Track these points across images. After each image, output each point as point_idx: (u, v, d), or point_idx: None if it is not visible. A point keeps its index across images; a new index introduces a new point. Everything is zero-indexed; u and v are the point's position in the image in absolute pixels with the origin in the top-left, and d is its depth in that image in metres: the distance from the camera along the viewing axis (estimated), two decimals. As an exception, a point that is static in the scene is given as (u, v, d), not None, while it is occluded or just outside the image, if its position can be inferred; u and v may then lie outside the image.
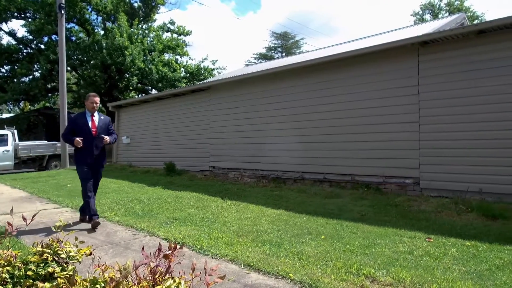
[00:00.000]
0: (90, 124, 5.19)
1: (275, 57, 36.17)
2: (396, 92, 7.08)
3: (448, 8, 30.59)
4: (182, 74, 24.80)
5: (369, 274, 3.24)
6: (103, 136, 5.27)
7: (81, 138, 5.02)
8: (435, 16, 31.05)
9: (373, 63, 7.49)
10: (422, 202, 6.00)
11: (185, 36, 26.67)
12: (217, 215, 5.78)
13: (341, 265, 3.45)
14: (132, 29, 22.63)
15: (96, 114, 5.30)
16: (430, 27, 8.67)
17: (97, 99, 5.28)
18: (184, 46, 26.09)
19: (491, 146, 5.89)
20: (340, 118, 7.95)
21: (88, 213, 5.15)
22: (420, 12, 32.87)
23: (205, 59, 29.22)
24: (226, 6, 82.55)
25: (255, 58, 37.93)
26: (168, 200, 7.08)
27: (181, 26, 26.41)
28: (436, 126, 6.51)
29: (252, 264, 3.58)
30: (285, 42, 38.64)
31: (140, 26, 24.90)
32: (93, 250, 2.20)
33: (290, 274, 3.27)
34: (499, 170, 5.77)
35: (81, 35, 23.86)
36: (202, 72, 25.47)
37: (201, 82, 14.76)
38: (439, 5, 31.59)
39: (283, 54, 36.45)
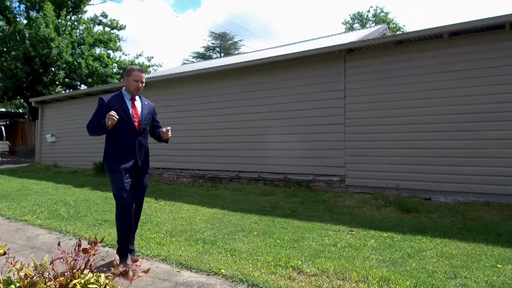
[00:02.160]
0: (131, 111, 3.45)
1: (213, 57, 36.05)
2: (325, 96, 7.51)
3: (374, 18, 32.97)
4: (114, 70, 23.63)
5: (296, 266, 3.43)
6: (161, 128, 3.72)
7: (111, 115, 3.13)
8: (363, 25, 33.26)
9: (304, 67, 7.87)
10: (347, 198, 6.45)
11: (118, 30, 25.46)
12: (149, 216, 5.67)
13: (271, 259, 3.60)
14: (59, 20, 21.04)
15: (137, 98, 3.58)
16: (356, 35, 9.33)
17: (144, 76, 3.53)
18: (117, 41, 24.88)
19: (406, 147, 6.52)
20: (273, 119, 8.22)
21: (121, 250, 3.34)
22: (350, 21, 35.01)
23: (140, 55, 28.09)
24: (165, 2, 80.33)
25: (193, 57, 37.47)
26: (97, 202, 6.76)
27: (114, 20, 25.16)
28: (360, 128, 7.04)
29: (184, 262, 3.59)
30: (224, 43, 38.70)
31: (68, 17, 23.25)
32: (12, 255, 2.07)
33: (222, 270, 3.35)
34: (413, 168, 6.42)
35: (0, 23, 21.62)
36: (137, 68, 24.45)
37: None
38: (367, 15, 33.93)
39: (222, 55, 36.49)
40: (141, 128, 3.50)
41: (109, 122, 3.14)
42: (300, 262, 3.51)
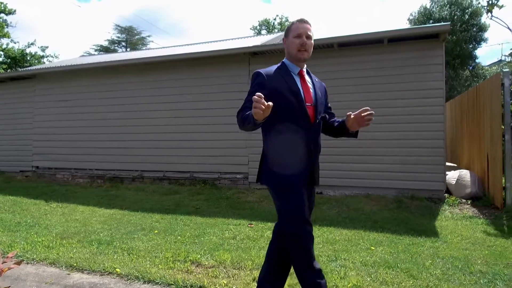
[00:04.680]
0: (302, 92, 2.23)
1: (118, 51, 34.01)
2: (230, 96, 7.72)
3: (280, 27, 34.70)
4: (0, 59, 20.80)
5: (195, 259, 3.51)
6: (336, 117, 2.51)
7: (258, 101, 1.81)
8: (270, 31, 34.78)
9: (211, 67, 7.97)
10: (249, 194, 6.74)
11: (6, 14, 22.40)
12: (38, 219, 5.19)
13: (170, 255, 3.62)
14: None
15: (305, 71, 2.36)
16: (260, 40, 9.76)
17: (310, 28, 2.26)
18: (5, 26, 21.92)
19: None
20: (180, 117, 8.15)
21: None
22: (258, 27, 36.29)
23: (32, 44, 25.04)
24: (61, -12, 72.99)
25: (95, 50, 34.79)
26: (-28, 206, 5.93)
27: (1, 3, 22.11)
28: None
29: (75, 264, 3.41)
30: (130, 37, 36.72)
31: None
32: None
33: (117, 269, 3.26)
34: (308, 165, 6.97)
35: None
36: (28, 58, 21.93)
37: (25, 69, 12.74)
38: (274, 23, 35.53)
39: (128, 49, 34.63)
40: (316, 119, 2.25)
41: (256, 115, 1.84)
42: (199, 256, 3.59)
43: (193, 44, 13.92)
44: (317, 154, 2.32)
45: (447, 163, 7.51)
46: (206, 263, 3.43)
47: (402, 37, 6.45)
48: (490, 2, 6.59)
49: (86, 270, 3.31)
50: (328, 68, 6.99)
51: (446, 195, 6.22)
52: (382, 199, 6.10)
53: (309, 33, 2.24)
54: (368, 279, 3.08)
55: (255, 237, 4.34)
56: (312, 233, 2.19)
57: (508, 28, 7.73)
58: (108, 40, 36.43)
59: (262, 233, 4.51)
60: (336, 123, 2.44)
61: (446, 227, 4.74)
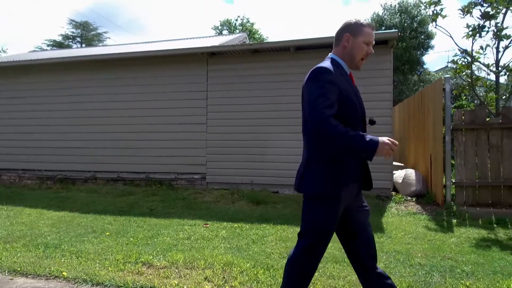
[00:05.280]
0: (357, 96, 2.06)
1: (73, 47, 32.49)
2: (188, 96, 7.68)
3: (241, 27, 34.80)
4: None
5: (146, 261, 3.48)
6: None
7: (391, 140, 1.81)
8: (231, 32, 34.80)
9: (169, 66, 7.88)
10: (206, 194, 6.74)
11: None
12: (-22, 223, 4.88)
13: (121, 257, 3.56)
14: None
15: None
16: (219, 40, 9.78)
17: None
18: None
19: (259, 146, 7.16)
20: (135, 117, 7.98)
21: None
22: (219, 27, 36.18)
23: (-26, 36, 23.42)
24: (9, -23, 68.65)
25: (48, 45, 33.04)
26: None
27: None
28: (220, 128, 7.44)
29: (19, 269, 3.27)
30: (86, 33, 35.21)
31: None
32: None
33: (64, 273, 3.16)
34: (264, 165, 7.11)
35: None
36: (-30, 52, 20.45)
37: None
38: (235, 23, 35.58)
39: (84, 45, 33.19)
40: (365, 123, 2.13)
41: (379, 154, 1.77)
42: (151, 257, 3.57)
43: (152, 42, 13.65)
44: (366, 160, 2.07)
45: (395, 163, 7.94)
46: (158, 264, 3.42)
47: (354, 42, 6.73)
48: (435, 11, 7.06)
49: (30, 274, 3.19)
50: (284, 71, 7.16)
51: (393, 193, 6.58)
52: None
53: (373, 42, 2.05)
54: (317, 274, 3.20)
55: (210, 237, 4.36)
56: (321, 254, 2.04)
57: (450, 36, 8.33)
58: (62, 35, 34.70)
59: (217, 232, 4.54)
60: None
61: (392, 223, 5.02)
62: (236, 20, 35.80)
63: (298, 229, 4.82)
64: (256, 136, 7.21)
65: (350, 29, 2.03)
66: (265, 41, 33.04)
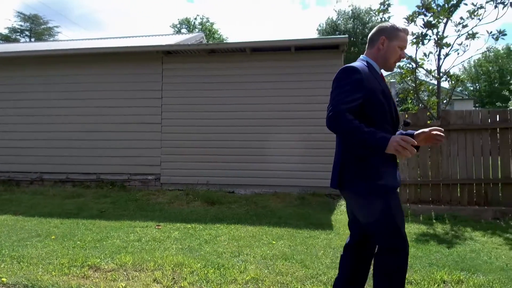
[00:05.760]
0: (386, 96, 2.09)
1: (21, 41, 30.55)
2: (142, 94, 7.52)
3: (201, 27, 34.53)
4: None
5: (93, 264, 3.38)
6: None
7: (407, 139, 1.79)
8: (190, 31, 34.39)
9: (123, 63, 7.67)
10: (160, 196, 6.65)
11: None
12: None
13: (66, 261, 3.43)
14: None
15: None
16: (175, 39, 9.67)
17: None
18: None
19: (214, 146, 7.18)
20: (86, 115, 7.69)
21: None
22: (178, 26, 35.64)
23: None
24: None
25: (-8, 39, 30.83)
26: None
27: None
28: (175, 128, 7.36)
29: (-50, 277, 3.05)
30: (35, 27, 33.26)
31: None
32: None
33: (3, 279, 3.01)
34: (220, 165, 7.14)
35: None
36: None
37: None
38: (194, 22, 35.23)
39: (33, 40, 31.30)
40: (396, 123, 2.16)
41: (396, 152, 1.79)
42: (98, 260, 3.47)
43: (106, 38, 13.19)
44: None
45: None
46: (106, 267, 3.34)
47: (307, 46, 6.96)
48: (383, 19, 7.45)
49: (-36, 282, 3.00)
50: (240, 71, 7.23)
51: (344, 191, 6.86)
52: (287, 196, 6.50)
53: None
54: (266, 271, 3.29)
55: (161, 238, 4.31)
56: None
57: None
58: (8, 28, 32.54)
59: (170, 233, 4.50)
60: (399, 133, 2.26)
61: (340, 220, 5.24)
62: (196, 19, 35.47)
63: (251, 228, 4.88)
64: (212, 136, 7.21)
65: (386, 33, 2.10)
66: (224, 41, 33.00)
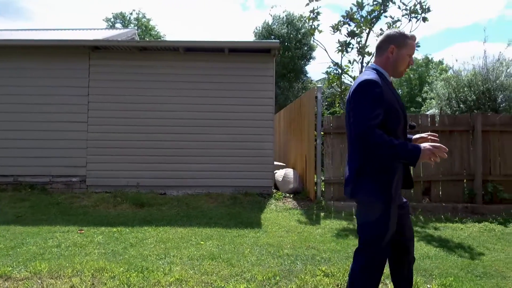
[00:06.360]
0: (399, 103, 2.14)
1: None
2: (67, 91, 7.07)
3: (136, 22, 33.17)
4: None
5: (4, 273, 3.14)
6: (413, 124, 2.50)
7: (438, 145, 1.92)
8: (125, 26, 32.90)
9: (46, 58, 7.13)
10: (85, 198, 6.31)
11: None
12: None
13: (-29, 272, 3.14)
14: None
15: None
16: (104, 34, 9.24)
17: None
18: None
19: (145, 146, 6.98)
20: (0, 112, 7.04)
21: None
22: (112, 20, 33.88)
23: None
24: None
25: None
26: None
27: None
28: (102, 127, 7.03)
29: None
30: None
31: None
32: None
33: None
34: (151, 166, 6.97)
35: None
36: None
37: None
38: (130, 17, 33.73)
39: None
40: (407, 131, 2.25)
41: (424, 159, 1.91)
42: (10, 269, 3.24)
43: (30, 30, 12.21)
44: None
45: (279, 163, 8.55)
46: (18, 276, 3.12)
47: (240, 48, 7.07)
48: (313, 26, 7.84)
49: None
50: (172, 71, 7.13)
51: (274, 190, 7.10)
52: (220, 196, 6.55)
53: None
54: (191, 271, 3.31)
55: (83, 243, 4.12)
56: (388, 253, 2.15)
57: (325, 49, 9.30)
58: None
59: (93, 238, 4.32)
60: None
61: (269, 219, 5.42)
62: (131, 14, 33.97)
63: (181, 230, 4.87)
64: (142, 136, 7.01)
65: (395, 41, 2.13)
66: (162, 39, 32.10)
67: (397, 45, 2.12)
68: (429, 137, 2.21)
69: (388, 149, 1.90)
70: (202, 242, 4.22)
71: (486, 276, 3.38)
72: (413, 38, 2.14)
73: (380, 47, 2.18)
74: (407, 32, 2.18)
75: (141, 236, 4.42)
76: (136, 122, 7.03)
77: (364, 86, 2.01)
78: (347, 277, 2.21)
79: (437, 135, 2.21)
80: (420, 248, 4.20)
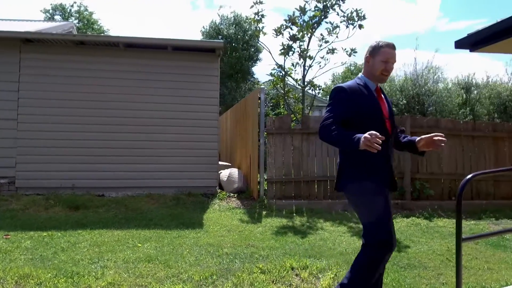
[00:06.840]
0: (381, 108, 2.42)
1: None
2: (-6, 86, 6.54)
3: (78, 15, 31.39)
4: None
5: None
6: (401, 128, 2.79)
7: (371, 140, 1.99)
8: (65, 19, 30.98)
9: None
10: (13, 201, 5.86)
11: None
12: None
13: None
14: None
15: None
16: (37, 26, 8.65)
17: (395, 54, 2.41)
18: None
19: (82, 146, 6.63)
20: None
21: None
22: (51, 11, 31.75)
23: None
24: None
25: None
26: None
27: None
28: (34, 125, 6.57)
29: None
30: None
31: None
32: None
33: None
34: (88, 167, 6.64)
35: None
36: None
37: None
38: (70, 10, 31.83)
39: None
40: (392, 132, 2.47)
41: (372, 148, 2.01)
42: None
43: None
44: (392, 163, 2.47)
45: (225, 163, 8.57)
46: None
47: (184, 47, 6.99)
48: (258, 28, 7.96)
49: None
50: (112, 67, 6.87)
51: (219, 190, 7.10)
52: (162, 197, 6.42)
53: (395, 59, 2.41)
54: (125, 275, 3.22)
55: (8, 249, 3.84)
56: (394, 242, 2.31)
57: (269, 51, 9.49)
58: None
59: (20, 243, 4.04)
60: (403, 139, 2.61)
61: (211, 219, 5.42)
62: (72, 6, 32.07)
63: (118, 232, 4.73)
64: (79, 135, 6.66)
65: (370, 51, 2.41)
66: (105, 33, 30.69)
67: (371, 54, 2.39)
68: (433, 137, 2.37)
69: (337, 139, 2.20)
70: (139, 245, 4.12)
71: (410, 267, 3.66)
72: (388, 45, 2.37)
73: (364, 59, 2.48)
74: (383, 41, 2.40)
75: (74, 240, 4.21)
76: (72, 120, 6.67)
77: (332, 91, 2.40)
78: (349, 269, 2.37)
79: (443, 135, 2.39)
80: (352, 242, 4.45)
